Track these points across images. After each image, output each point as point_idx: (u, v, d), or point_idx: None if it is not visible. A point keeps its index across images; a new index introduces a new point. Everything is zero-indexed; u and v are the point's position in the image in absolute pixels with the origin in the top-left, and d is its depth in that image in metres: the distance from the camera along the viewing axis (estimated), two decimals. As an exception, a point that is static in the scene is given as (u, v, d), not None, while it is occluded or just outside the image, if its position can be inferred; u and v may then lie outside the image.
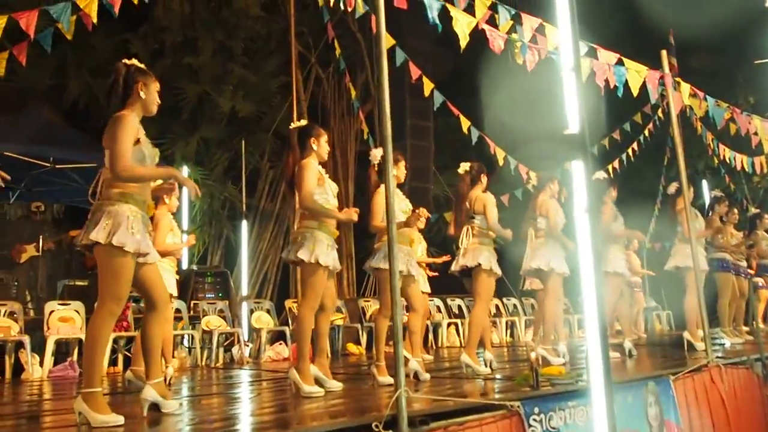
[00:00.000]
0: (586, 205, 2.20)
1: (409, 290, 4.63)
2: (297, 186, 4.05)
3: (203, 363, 7.20)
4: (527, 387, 3.40)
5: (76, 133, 9.19)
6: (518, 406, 2.98)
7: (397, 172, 4.66)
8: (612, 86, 5.12)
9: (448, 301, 10.13)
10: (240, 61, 11.51)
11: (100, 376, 3.01)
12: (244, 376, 6.02)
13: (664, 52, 5.14)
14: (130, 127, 3.09)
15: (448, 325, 9.68)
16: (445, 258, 7.45)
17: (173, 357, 6.89)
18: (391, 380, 4.22)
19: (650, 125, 9.96)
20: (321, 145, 4.16)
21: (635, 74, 4.69)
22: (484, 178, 5.09)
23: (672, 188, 6.43)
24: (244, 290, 9.36)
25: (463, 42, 4.26)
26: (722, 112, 5.89)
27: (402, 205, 4.68)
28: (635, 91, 5.20)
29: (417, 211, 4.81)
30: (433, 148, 11.40)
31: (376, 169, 4.70)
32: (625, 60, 4.82)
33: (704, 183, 12.44)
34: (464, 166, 5.12)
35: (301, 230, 3.99)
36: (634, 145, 10.09)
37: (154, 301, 3.25)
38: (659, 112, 10.11)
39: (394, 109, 11.43)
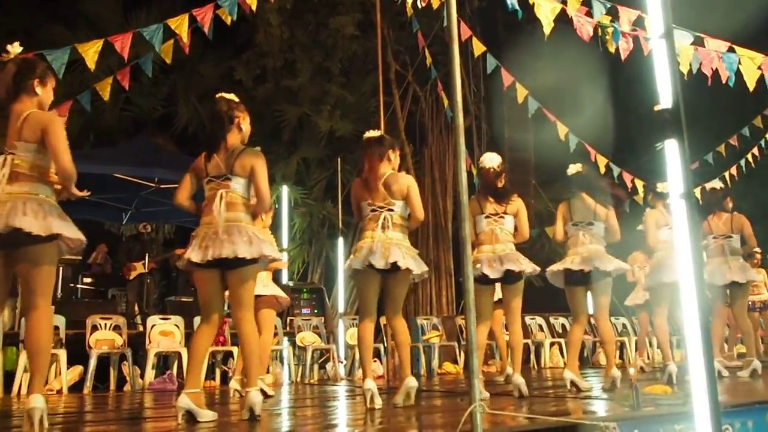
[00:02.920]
0: (682, 190, 1.89)
1: None
2: None
3: (297, 379, 7.20)
4: (627, 407, 3.04)
5: (182, 156, 9.61)
6: (614, 428, 2.65)
7: None
8: (724, 79, 4.65)
9: (551, 320, 9.65)
10: (337, 81, 11.69)
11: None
12: (332, 391, 5.91)
13: (784, 37, 4.61)
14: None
15: (551, 344, 9.19)
16: None
17: (267, 372, 6.97)
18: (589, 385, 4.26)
19: (775, 129, 9.04)
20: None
21: (749, 62, 4.21)
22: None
23: None
24: (341, 307, 9.34)
25: (547, 29, 3.99)
26: None
27: None
28: (751, 84, 4.70)
29: None
30: (533, 161, 10.99)
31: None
32: (736, 47, 4.35)
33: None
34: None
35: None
36: (755, 151, 9.19)
37: None
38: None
39: (491, 122, 11.17)
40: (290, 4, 10.79)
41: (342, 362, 7.59)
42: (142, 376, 6.25)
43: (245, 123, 3.55)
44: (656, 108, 1.95)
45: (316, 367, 7.42)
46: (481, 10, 12.01)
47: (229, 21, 5.32)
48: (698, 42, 4.57)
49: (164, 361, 6.85)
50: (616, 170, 7.32)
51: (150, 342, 6.38)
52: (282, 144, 11.75)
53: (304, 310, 8.00)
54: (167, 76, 11.72)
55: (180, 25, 5.04)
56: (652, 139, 1.94)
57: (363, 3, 11.23)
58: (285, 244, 10.57)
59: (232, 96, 3.58)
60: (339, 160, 10.24)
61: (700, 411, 1.77)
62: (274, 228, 10.87)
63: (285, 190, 10.81)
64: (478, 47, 6.53)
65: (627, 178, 7.41)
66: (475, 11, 11.91)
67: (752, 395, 3.91)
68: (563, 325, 9.74)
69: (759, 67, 4.38)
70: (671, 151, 1.92)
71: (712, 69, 4.26)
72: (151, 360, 6.26)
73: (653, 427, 2.83)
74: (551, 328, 9.60)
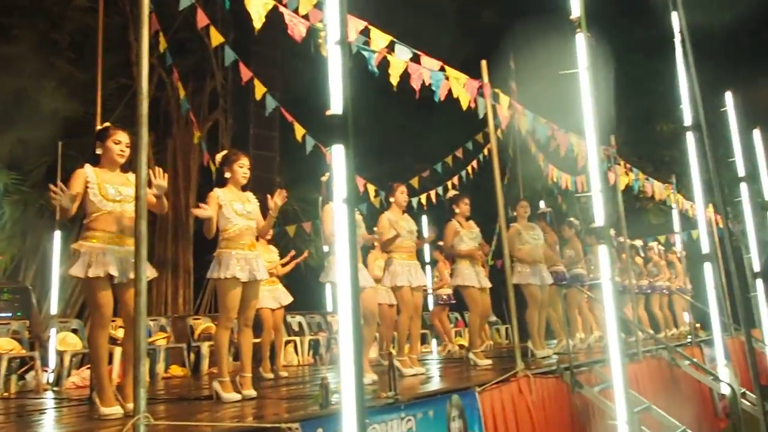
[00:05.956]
0: (345, 194, 1.93)
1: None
2: None
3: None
4: (316, 406, 3.09)
5: None
6: (297, 428, 2.65)
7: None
8: (442, 96, 5.03)
9: (288, 318, 9.73)
10: (66, 56, 10.50)
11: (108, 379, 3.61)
12: (34, 404, 5.20)
13: (483, 63, 5.13)
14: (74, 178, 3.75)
15: (287, 342, 9.26)
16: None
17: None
18: (237, 396, 4.02)
19: (489, 144, 10.18)
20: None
21: (455, 82, 4.61)
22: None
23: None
24: (54, 309, 8.36)
25: (258, 24, 3.95)
26: (544, 128, 6.04)
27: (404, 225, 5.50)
28: (464, 103, 5.18)
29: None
30: (278, 159, 11.01)
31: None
32: (446, 68, 4.74)
33: (542, 203, 13.05)
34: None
35: None
36: (474, 164, 10.29)
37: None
38: (498, 132, 10.42)
39: (237, 117, 10.89)
40: (7, -39, 9.46)
41: (45, 370, 6.77)
42: None
43: None
44: (327, 113, 1.97)
45: (14, 377, 6.51)
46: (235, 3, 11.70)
47: None
48: (416, 59, 4.88)
49: None
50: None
51: None
52: (-9, 120, 10.24)
53: (5, 313, 6.99)
54: None
55: None
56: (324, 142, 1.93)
57: (100, -26, 10.23)
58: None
59: None
60: (60, 144, 9.19)
61: (347, 409, 1.82)
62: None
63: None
64: (216, 38, 6.27)
65: (360, 182, 7.74)
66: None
67: (434, 386, 4.27)
68: (300, 323, 9.90)
69: (464, 86, 4.82)
70: (338, 155, 1.94)
71: (420, 84, 4.57)
72: None
73: (338, 425, 2.89)
74: (287, 326, 9.67)
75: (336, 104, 1.97)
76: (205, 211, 4.18)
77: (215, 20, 7.77)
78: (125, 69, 11.91)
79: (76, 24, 10.32)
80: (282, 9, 4.00)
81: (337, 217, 1.92)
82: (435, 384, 4.44)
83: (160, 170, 3.78)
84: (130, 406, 3.14)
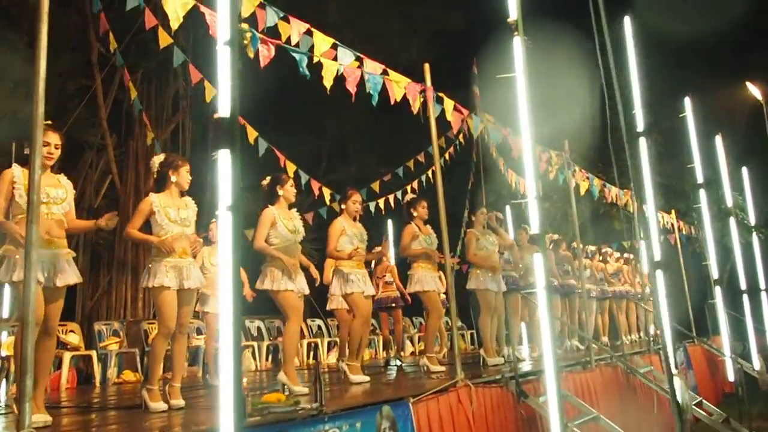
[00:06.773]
0: (229, 201, 1.86)
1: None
2: None
3: None
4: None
5: None
6: (205, 441, 2.58)
7: (285, 193, 4.92)
8: (392, 100, 4.97)
9: (247, 322, 9.62)
10: (24, 55, 10.28)
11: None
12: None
13: (426, 66, 5.08)
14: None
15: (245, 347, 9.13)
16: None
17: None
18: (164, 406, 3.92)
19: (451, 149, 10.19)
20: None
21: (396, 85, 4.56)
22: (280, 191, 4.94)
23: None
24: (5, 313, 8.16)
25: (174, 24, 3.87)
26: (496, 132, 6.02)
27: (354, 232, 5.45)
28: (414, 107, 5.14)
29: None
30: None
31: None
32: (388, 71, 4.69)
33: (507, 208, 13.06)
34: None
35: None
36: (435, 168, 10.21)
37: None
38: (461, 137, 10.39)
39: (195, 119, 10.61)
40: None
41: (-11, 376, 6.58)
42: None
43: None
44: (216, 116, 1.91)
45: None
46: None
47: None
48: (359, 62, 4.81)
49: None
50: (304, 177, 7.51)
51: None
52: (-55, 121, 10.01)
53: (-53, 318, 6.76)
54: None
55: None
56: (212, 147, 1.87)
57: (57, -27, 10.03)
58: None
59: None
60: (15, 145, 8.97)
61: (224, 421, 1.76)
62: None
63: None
64: (164, 39, 6.14)
65: (315, 186, 7.66)
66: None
67: (366, 396, 4.20)
68: (258, 328, 9.80)
69: (405, 89, 4.77)
70: (223, 160, 1.88)
71: (356, 88, 4.50)
72: None
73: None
74: (246, 331, 9.56)
75: (224, 107, 1.90)
76: None
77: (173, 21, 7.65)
78: (86, 69, 11.74)
79: (33, 23, 10.11)
80: (203, 9, 3.92)
81: (221, 225, 1.85)
82: (369, 394, 4.36)
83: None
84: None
